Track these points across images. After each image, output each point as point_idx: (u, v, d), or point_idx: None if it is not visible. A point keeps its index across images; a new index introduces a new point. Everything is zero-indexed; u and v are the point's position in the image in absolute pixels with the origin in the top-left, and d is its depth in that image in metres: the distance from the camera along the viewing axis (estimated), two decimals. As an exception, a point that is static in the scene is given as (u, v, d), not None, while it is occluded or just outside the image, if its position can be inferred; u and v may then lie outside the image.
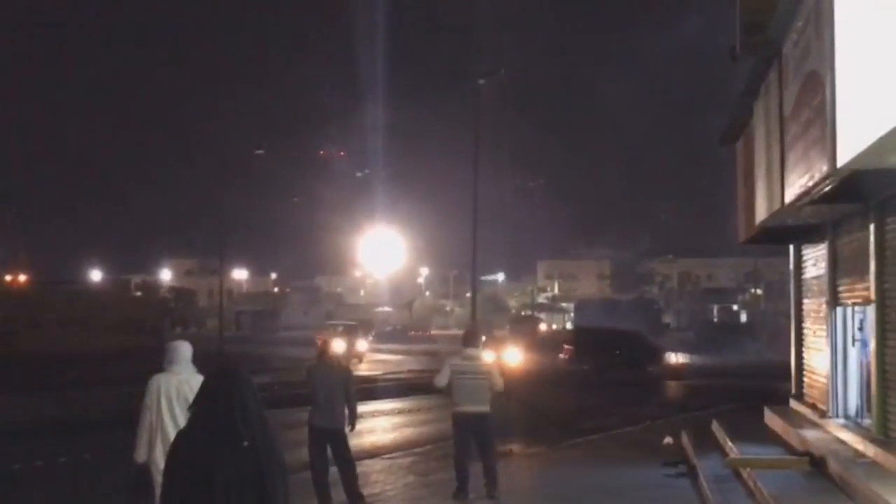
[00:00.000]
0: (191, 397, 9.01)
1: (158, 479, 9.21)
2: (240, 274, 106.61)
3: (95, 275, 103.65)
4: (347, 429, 12.13)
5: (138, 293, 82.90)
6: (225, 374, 4.60)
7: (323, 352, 12.68)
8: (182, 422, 9.16)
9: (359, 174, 77.52)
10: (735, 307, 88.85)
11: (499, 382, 12.39)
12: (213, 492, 4.35)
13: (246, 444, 4.41)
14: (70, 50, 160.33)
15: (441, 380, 12.22)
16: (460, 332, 22.56)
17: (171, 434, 9.10)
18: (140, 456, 9.12)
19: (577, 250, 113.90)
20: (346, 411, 12.04)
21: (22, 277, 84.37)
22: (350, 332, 47.68)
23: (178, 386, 9.15)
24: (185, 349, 9.43)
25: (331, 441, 12.00)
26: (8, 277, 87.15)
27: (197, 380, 9.31)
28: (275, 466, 4.45)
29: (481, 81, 39.46)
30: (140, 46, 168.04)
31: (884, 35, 7.93)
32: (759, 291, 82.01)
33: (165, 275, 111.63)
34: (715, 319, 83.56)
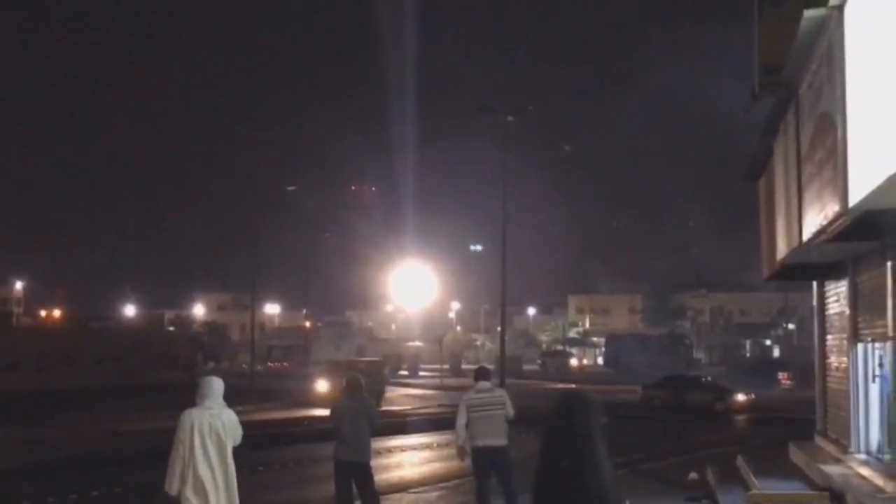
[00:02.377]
0: (221, 432, 9.34)
1: None
2: (272, 308, 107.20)
3: (130, 310, 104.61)
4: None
5: (171, 328, 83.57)
6: (565, 402, 4.88)
7: (349, 386, 12.88)
8: (213, 455, 9.44)
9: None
10: (768, 342, 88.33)
11: (511, 411, 12.67)
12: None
13: (566, 464, 4.66)
14: (104, 83, 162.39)
15: (461, 420, 12.45)
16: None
17: (201, 467, 9.38)
18: (172, 488, 9.37)
19: (608, 284, 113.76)
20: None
21: (57, 313, 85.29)
22: (374, 369, 45.82)
23: (210, 421, 9.41)
24: (217, 384, 9.69)
25: (356, 475, 12.18)
26: (43, 313, 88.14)
27: (227, 414, 9.58)
28: (592, 490, 4.64)
29: (510, 118, 39.91)
30: (175, 84, 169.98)
31: (892, 79, 8.16)
32: (791, 326, 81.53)
33: (198, 309, 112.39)
34: (747, 355, 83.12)
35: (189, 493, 9.31)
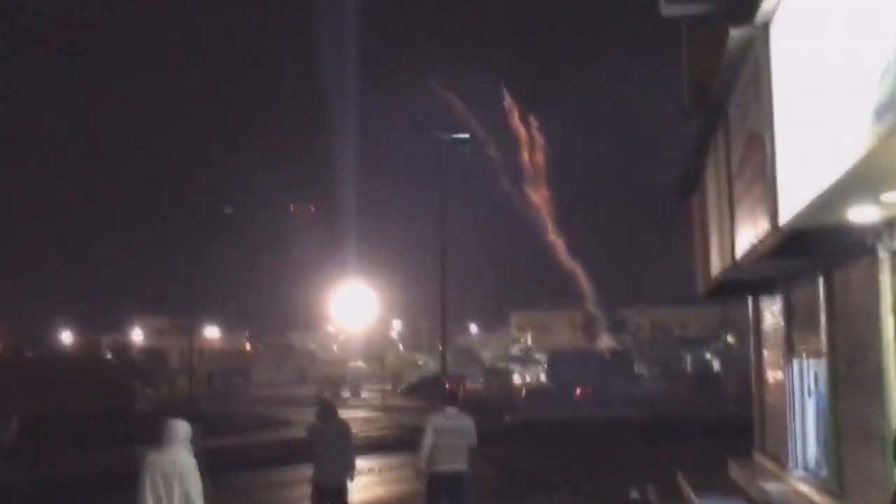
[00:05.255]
0: (177, 478, 8.99)
1: None
2: (211, 332, 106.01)
3: (66, 335, 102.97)
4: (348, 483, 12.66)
5: (109, 355, 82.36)
6: None
7: (323, 410, 13.08)
8: (168, 501, 9.10)
9: None
10: (708, 356, 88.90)
11: (475, 440, 12.53)
12: None
13: None
14: (35, 104, 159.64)
15: (427, 442, 12.27)
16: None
17: None
18: None
19: (549, 300, 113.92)
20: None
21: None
22: None
23: (169, 467, 9.06)
24: (178, 429, 9.34)
25: (332, 497, 12.50)
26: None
27: (188, 460, 9.22)
28: None
29: (446, 136, 39.72)
30: (108, 102, 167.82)
31: (818, 97, 8.15)
32: (731, 340, 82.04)
33: (136, 334, 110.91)
34: (689, 369, 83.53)
35: None
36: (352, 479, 12.72)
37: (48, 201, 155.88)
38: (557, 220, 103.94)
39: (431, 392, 62.93)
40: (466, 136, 41.68)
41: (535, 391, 63.12)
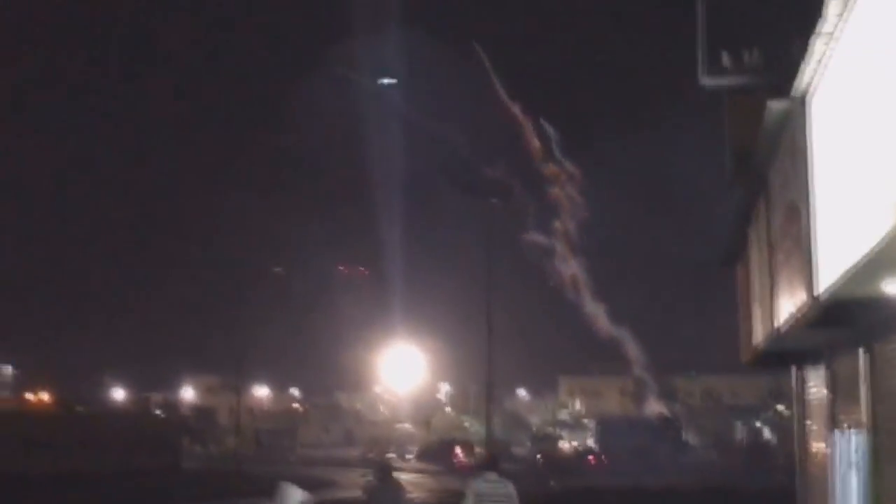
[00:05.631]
0: None
1: None
2: (260, 391, 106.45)
3: (117, 391, 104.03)
4: None
5: (159, 412, 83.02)
6: None
7: (381, 472, 13.45)
8: None
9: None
10: (759, 425, 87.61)
11: None
12: None
13: None
14: (83, 161, 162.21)
15: None
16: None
17: None
18: None
19: (598, 366, 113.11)
20: None
21: (45, 397, 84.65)
22: None
23: None
24: (287, 494, 9.84)
25: None
26: (31, 397, 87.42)
27: None
28: None
29: (494, 200, 40.20)
30: (158, 159, 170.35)
31: (850, 171, 8.24)
32: (783, 409, 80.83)
33: (187, 391, 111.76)
34: (743, 440, 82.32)
35: None
36: None
37: (99, 258, 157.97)
38: (601, 287, 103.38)
39: (443, 456, 62.83)
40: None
41: (552, 458, 62.68)
